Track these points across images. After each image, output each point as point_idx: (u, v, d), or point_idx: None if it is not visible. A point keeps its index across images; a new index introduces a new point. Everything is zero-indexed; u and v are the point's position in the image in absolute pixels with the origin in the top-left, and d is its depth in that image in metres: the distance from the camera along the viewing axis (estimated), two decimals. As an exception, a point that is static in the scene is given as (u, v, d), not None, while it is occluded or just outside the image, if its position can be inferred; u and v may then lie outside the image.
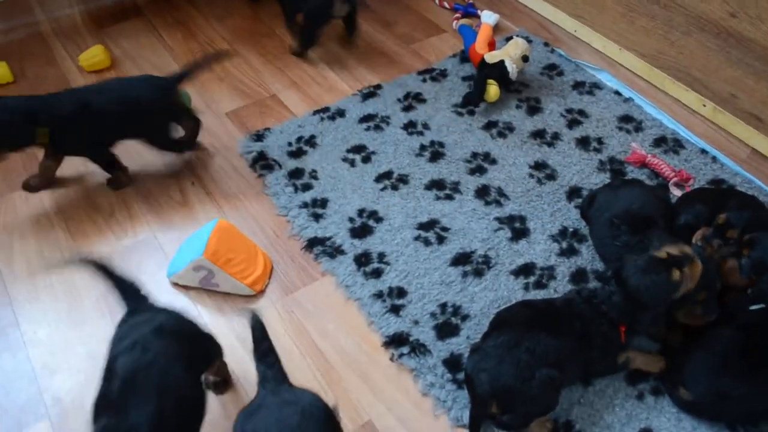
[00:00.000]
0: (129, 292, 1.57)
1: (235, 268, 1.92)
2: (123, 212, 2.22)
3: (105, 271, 1.58)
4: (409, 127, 2.50)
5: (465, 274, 2.01)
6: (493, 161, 2.37)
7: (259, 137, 2.45)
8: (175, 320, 1.52)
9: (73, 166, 2.34)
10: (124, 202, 2.25)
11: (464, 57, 2.83)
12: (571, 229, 2.15)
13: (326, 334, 1.88)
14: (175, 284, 2.00)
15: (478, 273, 2.02)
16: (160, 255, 2.08)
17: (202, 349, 1.58)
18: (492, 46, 2.72)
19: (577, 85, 2.70)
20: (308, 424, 1.32)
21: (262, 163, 2.35)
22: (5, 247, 2.12)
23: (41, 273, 2.05)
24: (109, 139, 2.22)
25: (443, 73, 2.76)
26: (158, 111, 2.20)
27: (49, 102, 2.07)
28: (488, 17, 2.82)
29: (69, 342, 1.88)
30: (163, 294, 1.98)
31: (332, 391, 1.76)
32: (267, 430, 1.32)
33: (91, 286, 2.00)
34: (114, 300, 1.94)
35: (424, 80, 2.73)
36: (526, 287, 1.99)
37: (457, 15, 3.10)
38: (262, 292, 1.97)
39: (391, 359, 1.82)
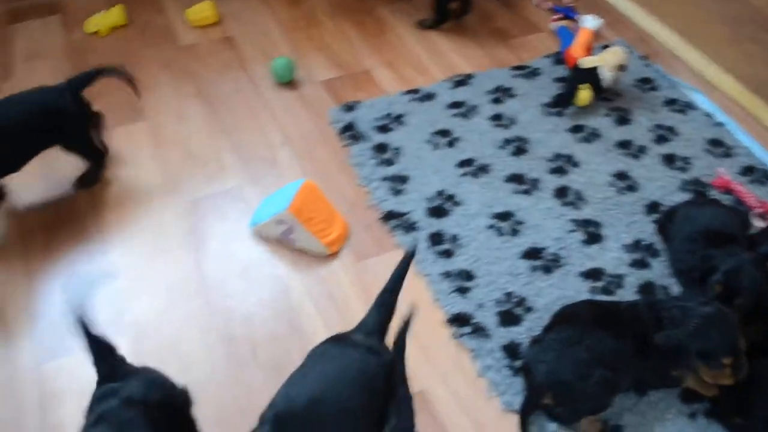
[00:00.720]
0: (102, 355, 1.43)
1: (315, 226, 2.00)
2: (215, 161, 2.33)
3: (82, 328, 1.41)
4: (496, 119, 2.54)
5: (534, 269, 2.04)
6: (576, 164, 2.38)
7: (349, 108, 2.53)
8: (145, 387, 1.38)
9: (172, 108, 2.47)
10: (217, 152, 2.36)
11: (559, 58, 2.84)
12: (645, 243, 2.14)
13: (392, 303, 1.94)
14: (256, 234, 2.10)
15: (547, 269, 2.04)
16: (244, 206, 2.18)
17: (176, 411, 1.45)
18: (589, 51, 2.72)
19: (670, 102, 2.67)
20: (369, 374, 1.38)
21: (350, 133, 2.43)
22: (103, 184, 2.26)
23: (132, 204, 2.18)
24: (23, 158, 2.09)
25: (535, 72, 2.78)
26: (73, 118, 2.09)
27: None
28: (590, 22, 2.82)
29: (151, 271, 2.00)
30: (241, 242, 2.09)
31: (391, 357, 1.82)
32: (332, 359, 1.40)
33: (178, 224, 2.12)
34: (199, 239, 2.07)
35: (516, 76, 2.75)
36: (593, 291, 2.00)
37: (556, 16, 3.10)
38: (336, 254, 2.05)
39: (453, 337, 1.87)
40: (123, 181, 2.25)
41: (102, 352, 1.43)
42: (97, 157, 2.23)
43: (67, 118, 2.06)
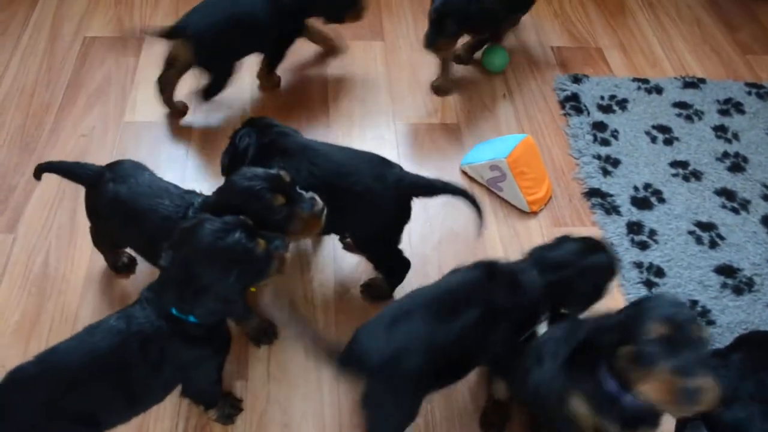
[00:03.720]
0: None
1: (524, 182, 2.07)
2: (437, 97, 2.45)
3: None
4: (719, 130, 2.47)
5: (724, 286, 2.02)
6: (792, 198, 2.30)
7: (576, 80, 2.55)
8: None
9: (410, 37, 2.60)
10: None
11: (799, 89, 2.70)
12: None
13: (578, 274, 1.99)
14: (463, 173, 2.20)
15: (738, 290, 2.01)
16: (458, 143, 2.30)
17: None
18: (838, 89, 2.57)
19: None
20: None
21: (572, 104, 2.46)
22: (336, 86, 2.44)
23: (358, 113, 2.36)
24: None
25: (771, 95, 2.66)
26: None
27: None
28: None
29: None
30: (449, 175, 2.20)
31: (565, 322, 1.88)
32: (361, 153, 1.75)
33: (394, 141, 2.27)
34: (409, 160, 2.21)
35: (750, 93, 2.65)
36: (779, 326, 1.96)
37: (806, 44, 2.93)
38: (535, 213, 2.12)
39: (629, 323, 1.90)
40: (354, 89, 2.41)
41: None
42: None
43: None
